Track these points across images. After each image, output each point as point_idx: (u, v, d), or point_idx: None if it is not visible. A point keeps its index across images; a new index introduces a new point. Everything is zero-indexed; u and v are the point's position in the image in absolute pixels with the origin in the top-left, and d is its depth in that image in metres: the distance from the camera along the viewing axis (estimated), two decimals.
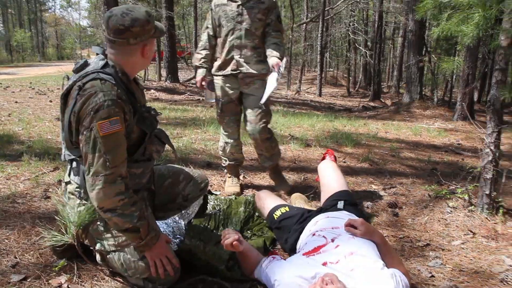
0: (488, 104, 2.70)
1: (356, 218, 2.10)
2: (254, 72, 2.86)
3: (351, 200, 2.33)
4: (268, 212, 2.36)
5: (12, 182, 3.00)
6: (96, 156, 1.57)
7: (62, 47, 46.92)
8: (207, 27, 3.00)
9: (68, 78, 1.74)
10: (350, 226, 1.94)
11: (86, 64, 1.73)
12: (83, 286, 1.75)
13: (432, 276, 1.96)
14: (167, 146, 1.94)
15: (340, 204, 2.27)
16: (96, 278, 1.82)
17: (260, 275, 1.84)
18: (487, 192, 2.68)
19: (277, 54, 2.79)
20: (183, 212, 2.33)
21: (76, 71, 1.71)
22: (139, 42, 1.69)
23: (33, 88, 11.00)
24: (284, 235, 2.20)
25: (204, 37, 3.02)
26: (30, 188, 2.89)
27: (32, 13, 53.00)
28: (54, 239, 1.76)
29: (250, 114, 2.95)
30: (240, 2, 2.83)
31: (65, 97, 1.70)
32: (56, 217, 1.86)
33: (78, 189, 1.76)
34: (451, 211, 2.78)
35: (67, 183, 1.83)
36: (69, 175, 1.80)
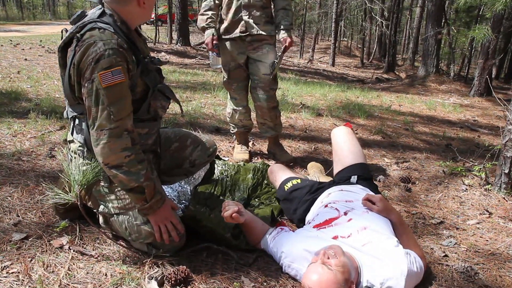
0: None
1: (374, 193, 2.02)
2: (264, 33, 2.71)
3: (365, 175, 2.22)
4: (279, 185, 2.28)
5: (18, 139, 2.95)
6: (99, 109, 1.47)
7: (72, 5, 46.22)
8: None
9: (67, 31, 1.63)
10: (367, 200, 1.86)
11: (83, 14, 1.62)
12: (85, 248, 1.70)
13: (446, 255, 1.88)
14: (175, 108, 1.84)
15: (353, 179, 2.17)
16: (98, 241, 1.77)
17: (266, 246, 1.78)
18: (506, 171, 2.57)
19: (288, 21, 2.69)
20: (189, 176, 2.25)
21: (73, 22, 1.59)
22: None
23: (43, 46, 10.86)
24: (293, 206, 2.13)
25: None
26: (35, 146, 2.83)
27: None
28: (57, 197, 1.70)
29: (258, 81, 2.82)
30: None
31: (63, 50, 1.59)
32: (60, 175, 1.80)
33: (81, 148, 1.68)
34: (466, 189, 2.69)
35: (70, 141, 1.75)
36: (72, 133, 1.72)
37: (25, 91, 4.75)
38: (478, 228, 2.19)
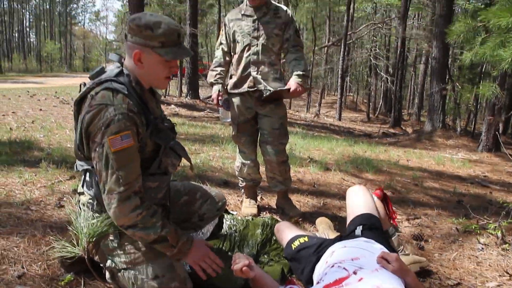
0: None
1: (378, 247, 1.95)
2: (271, 89, 2.74)
3: (371, 224, 2.17)
4: (286, 244, 2.22)
5: (28, 188, 2.96)
6: (109, 173, 1.50)
7: (88, 59, 48.26)
8: (221, 43, 2.91)
9: (85, 85, 1.68)
10: (383, 259, 1.80)
11: (102, 71, 1.66)
12: None
13: None
14: (184, 161, 1.85)
15: (358, 230, 2.12)
16: None
17: None
18: None
19: (300, 69, 2.70)
20: (198, 232, 2.22)
21: (91, 77, 1.64)
22: (134, 43, 1.59)
23: (58, 97, 11.19)
24: (300, 266, 2.06)
25: (218, 53, 2.92)
26: (45, 195, 2.84)
27: (63, 26, 54.92)
28: (64, 250, 1.68)
29: (267, 135, 2.84)
30: (256, 17, 2.75)
31: (79, 103, 1.63)
32: (69, 227, 1.79)
33: (91, 201, 1.68)
34: (482, 248, 2.61)
35: (81, 193, 1.75)
36: (82, 186, 1.73)
37: (38, 141, 4.85)
38: None
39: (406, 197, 3.94)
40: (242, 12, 2.81)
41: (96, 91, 1.55)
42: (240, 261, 1.69)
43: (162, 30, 1.56)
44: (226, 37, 2.88)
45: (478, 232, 2.85)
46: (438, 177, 5.33)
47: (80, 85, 1.71)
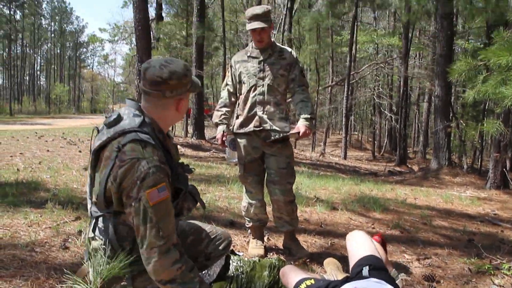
0: None
1: (390, 286, 1.90)
2: (277, 129, 2.78)
3: (377, 264, 2.13)
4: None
5: (33, 229, 2.94)
6: (148, 227, 1.49)
7: (96, 101, 49.26)
8: (227, 84, 2.97)
9: (98, 131, 1.68)
10: None
11: (119, 118, 1.63)
12: None
13: None
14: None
15: (365, 270, 2.08)
16: None
17: None
18: None
19: (306, 113, 2.75)
20: (203, 272, 2.18)
21: (109, 125, 1.62)
22: (175, 96, 1.64)
23: (65, 138, 11.34)
24: None
25: (224, 94, 2.98)
26: (50, 236, 2.82)
27: (72, 69, 56.52)
28: (76, 286, 1.65)
29: (274, 174, 2.84)
30: (261, 58, 2.83)
31: (97, 152, 1.62)
32: (84, 263, 1.77)
33: (104, 246, 1.65)
34: None
35: (92, 239, 1.71)
36: (93, 230, 1.70)
37: (44, 181, 4.87)
38: None
39: (415, 237, 3.86)
40: (248, 54, 2.89)
41: (121, 143, 1.54)
42: None
43: (189, 69, 1.66)
44: (232, 78, 2.95)
45: (492, 272, 2.77)
46: (447, 215, 5.24)
47: (93, 130, 1.74)
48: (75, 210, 3.53)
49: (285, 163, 2.83)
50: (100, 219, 1.66)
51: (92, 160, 1.64)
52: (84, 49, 60.04)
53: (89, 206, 1.73)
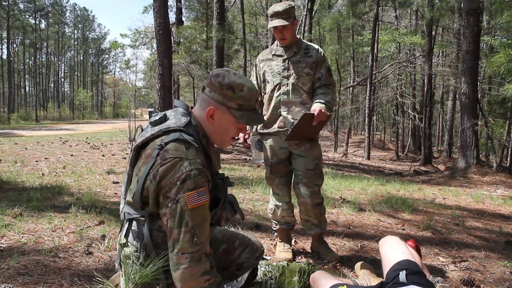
0: None
1: None
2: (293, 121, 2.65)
3: (414, 269, 2.00)
4: None
5: (57, 234, 2.92)
6: (182, 231, 1.41)
7: (118, 106, 50.09)
8: None
9: (142, 129, 1.63)
10: None
11: (165, 118, 1.58)
12: None
13: None
14: None
15: (402, 275, 1.95)
16: None
17: None
18: None
19: (323, 99, 2.59)
20: (233, 280, 2.09)
21: (154, 124, 1.57)
22: (211, 99, 1.55)
23: (89, 143, 11.51)
24: None
25: None
26: (73, 241, 2.78)
27: (95, 75, 57.78)
28: None
29: (301, 176, 2.73)
30: (286, 56, 2.73)
31: (139, 149, 1.56)
32: (119, 268, 1.70)
33: (136, 253, 1.56)
34: None
35: (124, 245, 1.62)
36: (126, 236, 1.60)
37: (68, 186, 4.89)
38: None
39: (449, 238, 3.68)
40: (273, 53, 2.81)
41: (164, 141, 1.48)
42: None
43: (243, 93, 1.54)
44: (256, 77, 2.86)
45: None
46: (479, 216, 5.01)
47: (137, 129, 1.70)
48: (98, 214, 3.50)
49: (313, 164, 2.72)
50: (134, 223, 1.58)
51: (132, 157, 1.58)
52: (106, 55, 61.26)
53: (121, 207, 1.65)
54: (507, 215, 5.26)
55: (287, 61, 2.73)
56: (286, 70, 2.72)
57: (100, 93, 56.33)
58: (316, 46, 2.81)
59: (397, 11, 21.50)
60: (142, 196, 1.51)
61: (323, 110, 2.52)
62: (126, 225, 1.60)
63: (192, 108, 1.65)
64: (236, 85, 1.53)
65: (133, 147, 1.58)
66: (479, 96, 13.09)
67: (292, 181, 2.84)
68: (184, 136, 1.48)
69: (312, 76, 2.71)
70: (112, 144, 11.72)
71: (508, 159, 13.23)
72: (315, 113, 2.50)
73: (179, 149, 1.45)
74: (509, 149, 13.91)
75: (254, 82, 2.85)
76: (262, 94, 2.83)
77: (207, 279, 1.42)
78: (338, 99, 18.51)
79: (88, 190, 4.66)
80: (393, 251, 2.17)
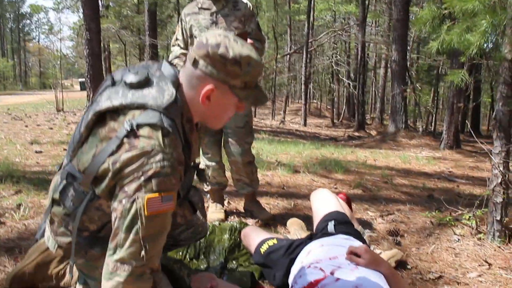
0: (494, 121, 2.50)
1: (358, 244, 1.81)
2: None
3: (342, 219, 2.05)
4: (254, 249, 2.03)
5: None
6: (130, 239, 1.13)
7: (45, 76, 46.60)
8: (176, 39, 2.67)
9: (113, 83, 1.25)
10: (352, 254, 1.65)
11: (147, 82, 1.22)
12: None
13: None
14: None
15: (331, 225, 1.98)
16: None
17: None
18: (498, 218, 2.43)
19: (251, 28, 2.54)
20: None
21: (130, 85, 1.21)
22: (209, 76, 1.20)
23: (10, 114, 10.61)
24: (272, 271, 1.88)
25: (174, 50, 2.68)
26: None
27: (16, 43, 52.95)
28: None
29: (231, 134, 2.65)
30: (214, 9, 2.58)
31: (103, 115, 1.22)
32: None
33: (65, 217, 1.31)
34: (458, 239, 2.52)
35: (55, 201, 1.33)
36: (61, 192, 1.29)
37: None
38: (481, 281, 1.99)
39: (378, 195, 3.85)
40: (199, 6, 2.63)
41: (137, 121, 1.15)
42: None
43: (251, 69, 1.22)
44: (182, 32, 2.68)
45: (453, 224, 2.77)
46: (406, 174, 5.31)
47: (106, 78, 1.32)
48: (15, 184, 3.22)
49: (243, 122, 2.65)
50: (76, 185, 1.26)
51: (90, 120, 1.23)
52: (28, 21, 56.24)
53: (65, 161, 1.34)
54: (430, 173, 5.63)
55: (215, 14, 2.58)
56: (214, 24, 2.57)
57: (23, 63, 51.94)
58: (245, 0, 2.68)
59: None
60: (95, 177, 1.20)
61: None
62: (65, 181, 1.29)
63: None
64: (243, 58, 1.19)
65: (92, 109, 1.23)
66: (408, 64, 13.76)
67: (223, 140, 2.76)
68: (163, 121, 1.16)
69: (240, 30, 2.59)
70: (37, 115, 10.90)
71: (432, 124, 14.16)
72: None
73: (153, 136, 1.14)
74: (434, 115, 14.88)
75: (180, 38, 2.68)
76: (189, 50, 2.67)
77: None
78: (275, 67, 18.57)
79: (5, 160, 4.27)
80: (323, 203, 2.19)
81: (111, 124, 1.19)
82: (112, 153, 1.14)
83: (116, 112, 1.20)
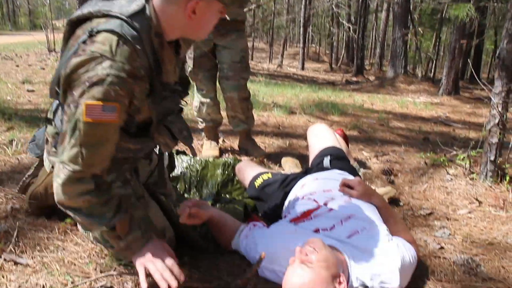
0: (497, 60, 2.42)
1: (352, 177, 1.82)
2: (232, 17, 2.44)
3: (338, 154, 2.05)
4: (249, 183, 2.04)
5: None
6: (71, 143, 1.12)
7: (35, 15, 44.86)
8: None
9: None
10: (345, 186, 1.66)
11: None
12: (20, 256, 1.41)
13: (442, 247, 1.70)
14: None
15: (326, 160, 1.99)
16: (39, 248, 1.47)
17: (238, 246, 1.54)
18: (492, 158, 2.43)
19: None
20: None
21: None
22: None
23: (0, 54, 10.31)
24: (266, 204, 1.90)
25: None
26: None
27: None
28: None
29: (227, 69, 2.57)
30: None
31: (75, 25, 1.21)
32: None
33: (56, 135, 1.33)
34: (451, 179, 2.54)
35: (49, 121, 1.38)
36: (54, 112, 1.36)
37: None
38: (470, 217, 2.02)
39: (373, 136, 3.84)
40: None
41: (97, 28, 1.11)
42: (184, 207, 1.46)
43: None
44: None
45: (447, 164, 2.78)
46: (402, 118, 5.29)
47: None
48: (7, 121, 3.17)
49: (239, 57, 2.56)
50: (62, 106, 1.24)
51: (66, 32, 1.23)
52: None
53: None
54: (426, 117, 5.60)
55: None
56: None
57: (10, 1, 49.75)
58: None
59: None
60: (58, 84, 1.19)
61: None
62: (56, 105, 1.34)
63: None
64: None
65: (68, 21, 1.23)
66: (411, 7, 13.27)
67: (218, 76, 2.68)
68: (123, 29, 1.12)
69: None
70: (28, 55, 10.61)
71: (432, 71, 13.93)
72: None
73: (106, 42, 1.09)
74: (434, 62, 14.60)
75: None
76: None
77: (87, 199, 1.17)
78: (273, 9, 17.91)
79: None
80: (320, 138, 2.17)
81: (78, 32, 1.19)
82: (70, 58, 1.12)
83: (85, 21, 1.19)
